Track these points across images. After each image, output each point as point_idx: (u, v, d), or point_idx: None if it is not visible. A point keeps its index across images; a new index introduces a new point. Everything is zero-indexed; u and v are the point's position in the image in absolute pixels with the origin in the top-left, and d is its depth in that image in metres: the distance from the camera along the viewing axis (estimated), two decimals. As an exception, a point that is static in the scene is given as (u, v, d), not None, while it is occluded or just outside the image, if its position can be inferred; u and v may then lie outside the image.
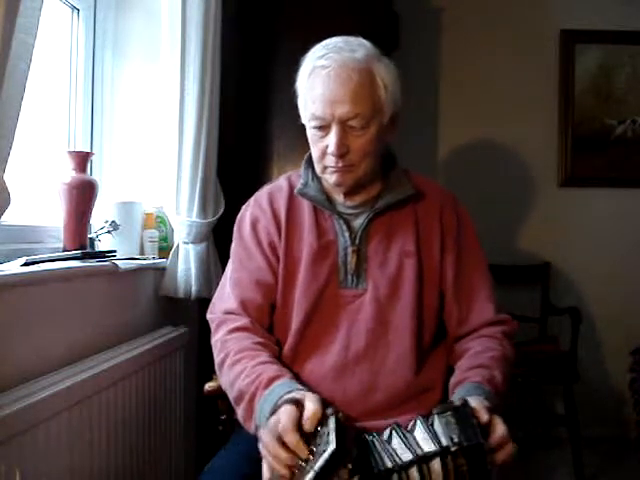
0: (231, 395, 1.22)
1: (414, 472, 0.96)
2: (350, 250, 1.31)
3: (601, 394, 3.16)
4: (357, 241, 1.31)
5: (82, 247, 1.66)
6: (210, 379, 1.48)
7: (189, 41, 1.90)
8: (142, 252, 1.97)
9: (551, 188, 3.27)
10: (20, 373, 1.25)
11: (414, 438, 1.02)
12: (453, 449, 0.97)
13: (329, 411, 0.99)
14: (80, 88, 1.99)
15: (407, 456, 0.98)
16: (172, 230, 2.02)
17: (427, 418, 1.04)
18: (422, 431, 1.01)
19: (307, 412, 1.01)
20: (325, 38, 1.28)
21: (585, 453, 2.71)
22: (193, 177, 1.94)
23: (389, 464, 0.97)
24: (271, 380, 1.13)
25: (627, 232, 3.23)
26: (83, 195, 1.67)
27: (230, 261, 1.40)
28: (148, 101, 2.08)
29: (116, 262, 1.64)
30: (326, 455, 0.91)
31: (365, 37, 1.29)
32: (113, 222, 1.81)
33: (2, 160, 1.08)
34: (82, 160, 1.69)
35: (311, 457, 0.96)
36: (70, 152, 1.70)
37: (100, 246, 1.83)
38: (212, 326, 1.33)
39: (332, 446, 0.92)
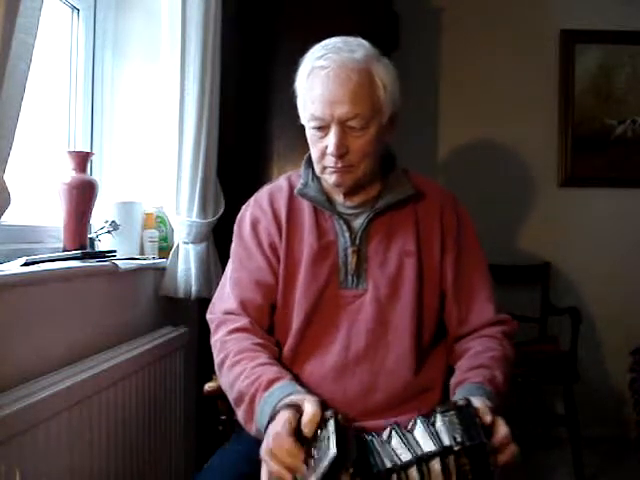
0: (231, 396, 1.22)
1: (413, 472, 0.95)
2: (350, 250, 1.31)
3: (601, 394, 3.16)
4: (357, 241, 1.31)
5: (82, 247, 1.66)
6: (210, 379, 1.48)
7: (189, 41, 1.90)
8: (142, 252, 1.97)
9: (551, 188, 3.26)
10: (20, 373, 1.25)
11: (414, 438, 1.01)
12: (456, 448, 0.96)
13: (328, 414, 0.99)
14: (80, 88, 1.99)
15: (406, 456, 0.97)
16: (172, 230, 2.02)
17: (428, 417, 1.04)
18: (422, 431, 1.01)
19: (306, 416, 1.01)
20: (325, 38, 1.28)
21: (585, 453, 2.71)
22: (193, 177, 1.94)
23: (388, 464, 0.96)
24: (271, 382, 1.13)
25: (627, 232, 3.23)
26: (83, 195, 1.67)
27: (230, 261, 1.39)
28: (148, 101, 2.08)
29: (116, 262, 1.64)
30: (327, 462, 0.91)
31: (365, 37, 1.29)
32: (113, 222, 1.81)
33: (2, 160, 1.08)
34: (82, 160, 1.69)
35: (312, 462, 0.95)
36: (70, 152, 1.70)
37: (100, 246, 1.83)
38: (212, 326, 1.33)
39: (332, 452, 0.91)
